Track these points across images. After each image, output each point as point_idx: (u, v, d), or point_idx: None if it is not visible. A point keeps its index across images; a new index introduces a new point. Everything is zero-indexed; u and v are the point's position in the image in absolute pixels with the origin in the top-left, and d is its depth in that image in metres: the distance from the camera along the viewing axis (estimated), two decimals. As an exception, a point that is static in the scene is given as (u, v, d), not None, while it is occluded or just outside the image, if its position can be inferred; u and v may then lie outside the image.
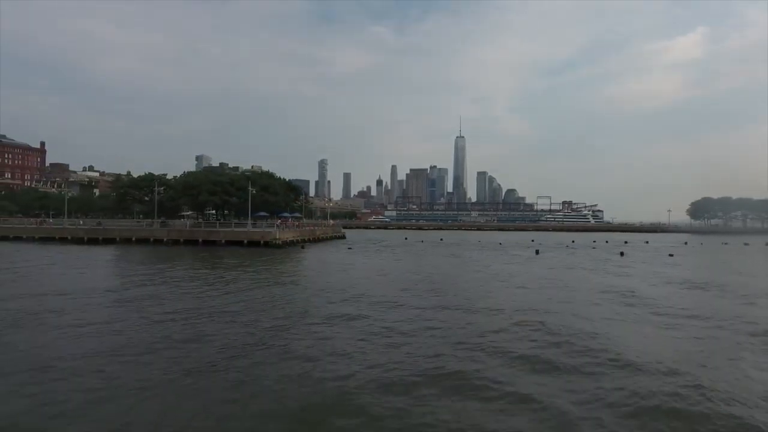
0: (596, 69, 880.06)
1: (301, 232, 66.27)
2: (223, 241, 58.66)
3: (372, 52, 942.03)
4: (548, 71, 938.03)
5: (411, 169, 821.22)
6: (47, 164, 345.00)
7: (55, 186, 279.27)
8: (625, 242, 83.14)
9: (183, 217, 65.67)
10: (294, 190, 77.96)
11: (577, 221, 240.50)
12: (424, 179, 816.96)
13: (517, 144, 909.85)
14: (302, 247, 57.15)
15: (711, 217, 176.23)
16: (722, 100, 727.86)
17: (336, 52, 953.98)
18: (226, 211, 71.57)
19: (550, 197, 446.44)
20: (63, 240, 64.10)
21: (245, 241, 57.90)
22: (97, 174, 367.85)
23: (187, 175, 65.29)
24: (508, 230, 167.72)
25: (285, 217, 67.90)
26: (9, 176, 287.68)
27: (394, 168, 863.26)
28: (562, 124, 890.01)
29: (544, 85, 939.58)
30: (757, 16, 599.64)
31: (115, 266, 38.50)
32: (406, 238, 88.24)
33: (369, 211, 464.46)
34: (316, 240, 70.75)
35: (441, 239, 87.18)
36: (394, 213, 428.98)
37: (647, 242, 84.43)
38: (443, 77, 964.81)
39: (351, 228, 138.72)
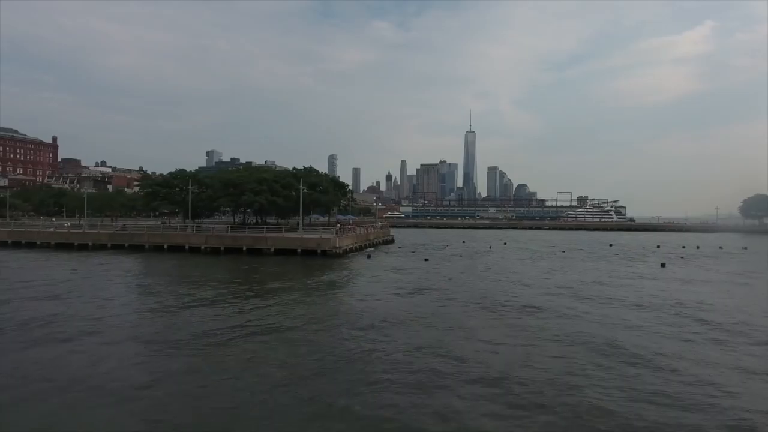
0: (604, 63, 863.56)
1: (358, 237, 56.83)
2: (272, 250, 49.74)
3: (376, 48, 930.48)
4: (555, 65, 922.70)
5: (421, 164, 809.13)
6: (59, 160, 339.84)
7: (68, 182, 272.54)
8: (697, 247, 72.35)
9: (222, 213, 56.80)
10: (341, 187, 68.55)
11: (600, 218, 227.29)
12: (435, 174, 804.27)
13: (525, 138, 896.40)
14: (369, 257, 47.64)
15: (764, 215, 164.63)
16: (739, 92, 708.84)
17: (340, 48, 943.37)
18: (261, 215, 62.59)
19: (570, 193, 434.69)
20: (83, 247, 55.19)
21: (299, 250, 48.86)
22: (109, 170, 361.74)
23: (226, 172, 56.07)
24: (545, 229, 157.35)
25: (343, 219, 58.39)
26: (21, 172, 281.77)
27: (403, 163, 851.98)
28: (571, 118, 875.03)
29: (552, 78, 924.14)
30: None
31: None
32: (464, 242, 78.23)
33: (384, 207, 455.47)
34: (371, 245, 61.33)
35: (504, 243, 77.05)
36: (409, 209, 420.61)
37: (721, 247, 73.16)
38: (450, 73, 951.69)
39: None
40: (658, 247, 71.59)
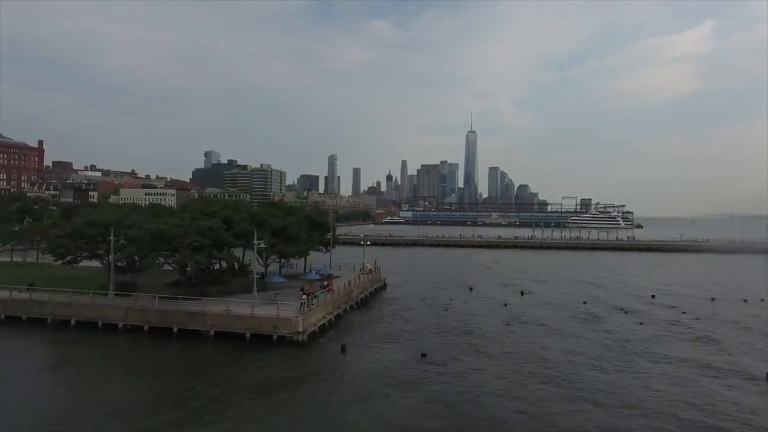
0: (604, 63, 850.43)
1: (335, 301, 43.23)
2: (211, 333, 36.24)
3: (376, 48, 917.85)
4: (555, 65, 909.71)
5: (422, 165, 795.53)
6: (49, 163, 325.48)
7: (51, 189, 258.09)
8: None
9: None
10: (320, 225, 54.26)
11: (614, 232, 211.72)
12: (436, 175, 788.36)
13: (526, 138, 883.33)
14: (343, 350, 34.04)
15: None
16: (739, 92, 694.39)
17: (340, 48, 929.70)
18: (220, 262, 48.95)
19: (575, 197, 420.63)
20: (-31, 318, 41.64)
21: (248, 335, 35.23)
22: (99, 174, 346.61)
23: (160, 220, 42.29)
24: (555, 249, 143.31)
25: (315, 278, 44.24)
26: (4, 178, 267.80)
27: (404, 163, 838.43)
28: (571, 118, 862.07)
29: (552, 78, 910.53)
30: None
31: None
32: (471, 289, 63.81)
33: (383, 210, 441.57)
34: (356, 304, 47.77)
35: (522, 293, 62.11)
36: (409, 214, 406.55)
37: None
38: (450, 73, 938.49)
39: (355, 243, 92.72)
40: (713, 299, 57.66)
